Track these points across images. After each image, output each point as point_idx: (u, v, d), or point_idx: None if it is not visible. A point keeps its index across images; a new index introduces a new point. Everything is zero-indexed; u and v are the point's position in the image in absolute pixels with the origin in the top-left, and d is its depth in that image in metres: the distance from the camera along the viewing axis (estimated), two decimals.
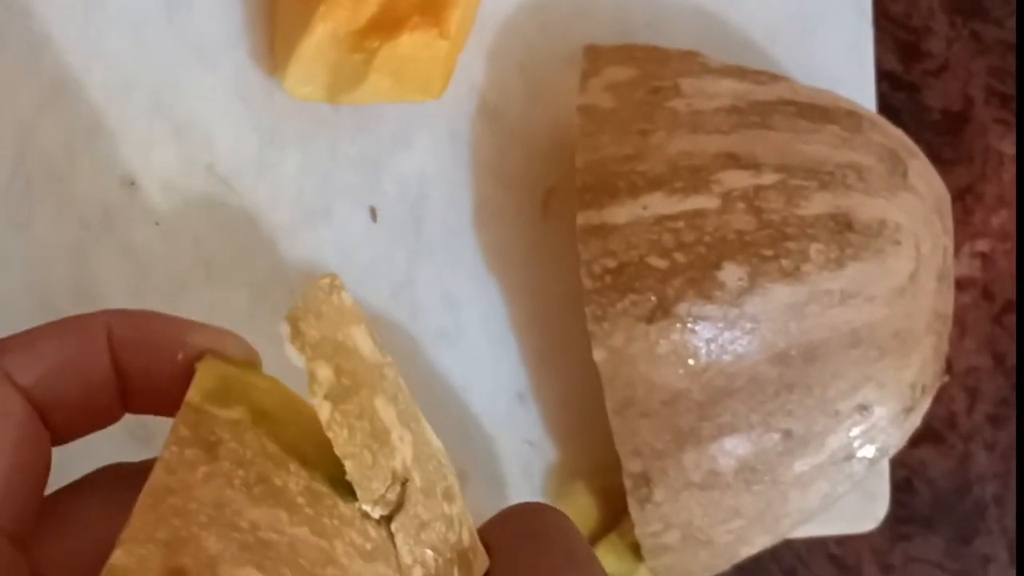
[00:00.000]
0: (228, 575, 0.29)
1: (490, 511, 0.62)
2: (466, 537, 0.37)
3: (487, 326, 0.63)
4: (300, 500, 0.32)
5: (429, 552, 0.34)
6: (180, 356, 0.34)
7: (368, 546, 0.33)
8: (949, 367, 0.69)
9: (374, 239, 0.61)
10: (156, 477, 0.30)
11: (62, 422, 0.35)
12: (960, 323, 0.70)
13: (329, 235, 0.61)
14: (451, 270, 0.62)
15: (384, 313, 0.61)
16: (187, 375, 0.34)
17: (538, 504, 0.38)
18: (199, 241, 0.59)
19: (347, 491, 0.33)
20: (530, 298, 0.63)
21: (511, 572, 0.35)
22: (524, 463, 0.63)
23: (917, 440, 0.69)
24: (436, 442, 0.37)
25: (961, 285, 0.66)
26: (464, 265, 0.62)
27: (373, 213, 0.61)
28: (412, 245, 0.62)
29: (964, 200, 0.71)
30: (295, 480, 0.32)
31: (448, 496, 0.36)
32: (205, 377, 0.33)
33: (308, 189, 0.60)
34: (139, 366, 0.36)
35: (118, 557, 0.28)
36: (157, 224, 0.58)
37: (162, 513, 0.29)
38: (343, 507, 0.33)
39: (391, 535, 0.34)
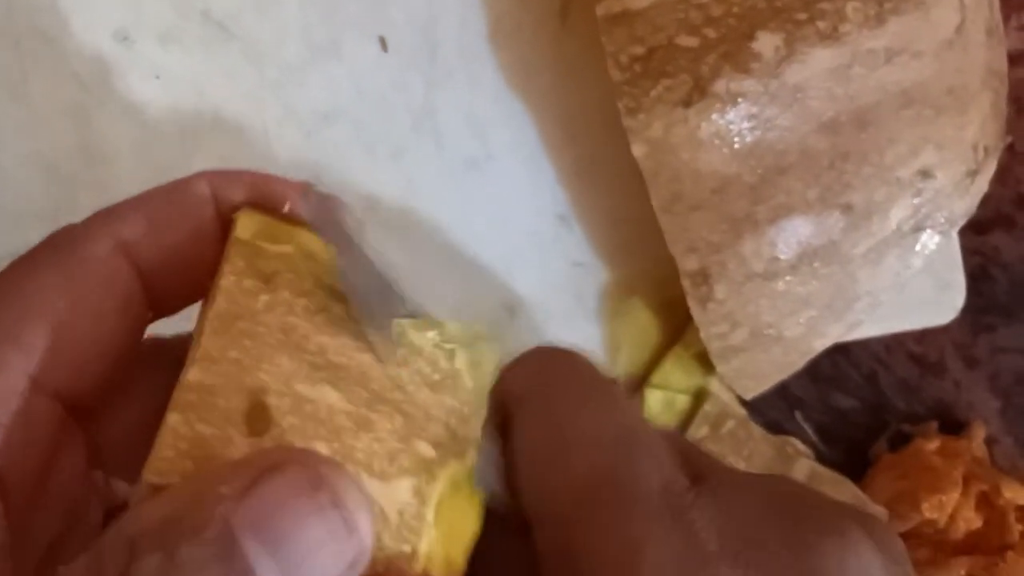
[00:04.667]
0: (304, 391, 0.30)
1: (546, 340, 0.59)
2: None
3: (518, 148, 0.59)
4: (361, 328, 0.32)
5: None
6: (287, 207, 0.34)
7: (436, 376, 0.33)
8: (1011, 146, 0.66)
9: (387, 69, 0.58)
10: (219, 305, 0.30)
11: (168, 289, 0.34)
12: (1016, 100, 0.65)
13: (340, 70, 0.58)
14: (473, 94, 0.59)
15: (407, 146, 0.58)
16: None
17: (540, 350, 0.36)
18: (204, 90, 0.56)
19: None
20: (560, 113, 0.60)
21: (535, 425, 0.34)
22: (576, 287, 0.60)
23: (988, 226, 0.66)
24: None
25: (1013, 59, 0.62)
26: (486, 87, 0.59)
27: (383, 43, 0.58)
28: (428, 72, 0.58)
29: None
30: (355, 310, 0.32)
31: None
32: (249, 222, 0.33)
33: (312, 25, 0.57)
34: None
35: (194, 374, 0.29)
36: (158, 78, 0.56)
37: (232, 336, 0.30)
38: (412, 336, 0.33)
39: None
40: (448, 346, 0.34)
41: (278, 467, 0.26)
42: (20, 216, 0.54)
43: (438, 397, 0.33)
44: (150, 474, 0.27)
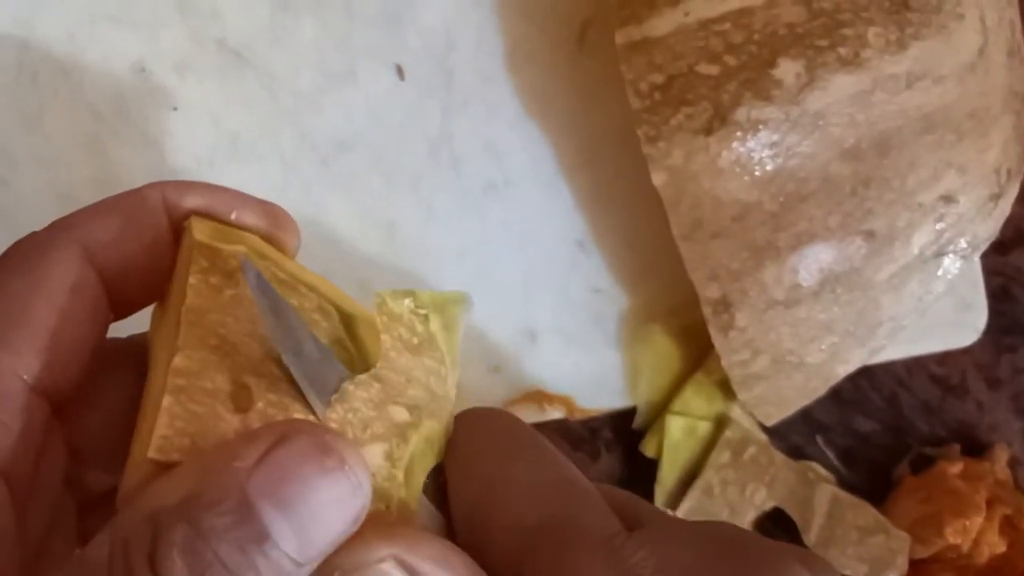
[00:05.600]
0: (276, 371, 0.32)
1: (565, 367, 0.59)
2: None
3: (536, 174, 0.59)
4: (317, 316, 0.34)
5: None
6: (234, 215, 0.36)
7: (415, 340, 0.36)
8: None
9: (404, 97, 0.58)
10: (190, 300, 0.32)
11: (126, 292, 0.36)
12: None
13: (356, 98, 0.57)
14: (490, 119, 0.59)
15: (424, 173, 0.58)
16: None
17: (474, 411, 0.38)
18: (220, 119, 0.56)
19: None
20: (578, 139, 0.59)
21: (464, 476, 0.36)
22: (594, 313, 0.59)
23: (1010, 245, 0.65)
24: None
25: None
26: (503, 112, 0.59)
27: (400, 70, 0.58)
28: (445, 98, 0.58)
29: None
30: (310, 299, 0.35)
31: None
32: (202, 226, 0.35)
33: (328, 53, 0.57)
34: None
35: (180, 360, 0.30)
36: (175, 108, 0.55)
37: (207, 327, 0.32)
38: (391, 304, 0.36)
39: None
40: (422, 311, 0.37)
41: (287, 438, 0.28)
42: None
43: (419, 359, 0.36)
44: (153, 452, 0.29)
